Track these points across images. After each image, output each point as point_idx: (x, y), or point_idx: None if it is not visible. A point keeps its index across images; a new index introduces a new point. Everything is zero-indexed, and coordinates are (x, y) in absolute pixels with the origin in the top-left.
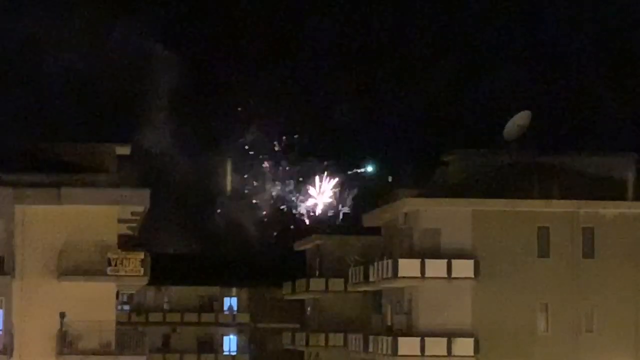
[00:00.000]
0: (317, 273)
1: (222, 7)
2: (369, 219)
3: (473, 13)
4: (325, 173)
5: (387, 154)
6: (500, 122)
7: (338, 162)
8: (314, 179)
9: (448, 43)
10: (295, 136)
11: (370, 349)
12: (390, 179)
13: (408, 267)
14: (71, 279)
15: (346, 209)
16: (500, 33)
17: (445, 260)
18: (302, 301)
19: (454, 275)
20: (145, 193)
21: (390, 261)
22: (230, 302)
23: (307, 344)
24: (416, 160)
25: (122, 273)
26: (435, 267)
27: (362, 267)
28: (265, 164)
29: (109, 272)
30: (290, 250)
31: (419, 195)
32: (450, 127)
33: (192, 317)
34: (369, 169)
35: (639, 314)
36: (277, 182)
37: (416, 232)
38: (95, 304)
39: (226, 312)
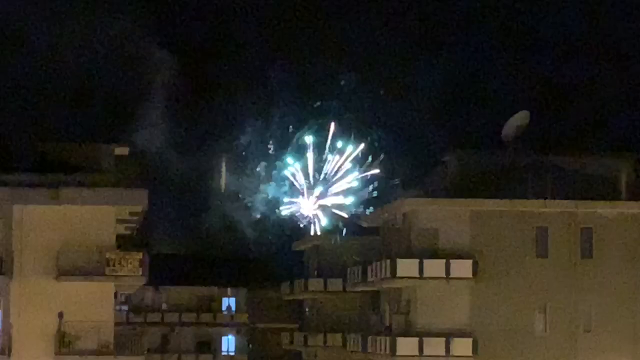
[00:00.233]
0: (316, 273)
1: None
2: (368, 219)
3: (472, 12)
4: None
5: (385, 154)
6: (499, 122)
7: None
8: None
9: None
10: (291, 129)
11: (369, 349)
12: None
13: (406, 267)
14: (69, 279)
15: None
16: (500, 32)
17: (444, 261)
18: (300, 301)
19: (452, 275)
20: (144, 193)
21: (388, 261)
22: (229, 302)
23: (305, 344)
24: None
25: (121, 273)
26: (434, 267)
27: (360, 267)
28: (260, 165)
29: (107, 272)
30: (288, 250)
31: (417, 196)
32: (448, 127)
33: (190, 317)
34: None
35: (637, 314)
36: (272, 183)
37: (414, 232)
38: (94, 304)
39: (224, 313)
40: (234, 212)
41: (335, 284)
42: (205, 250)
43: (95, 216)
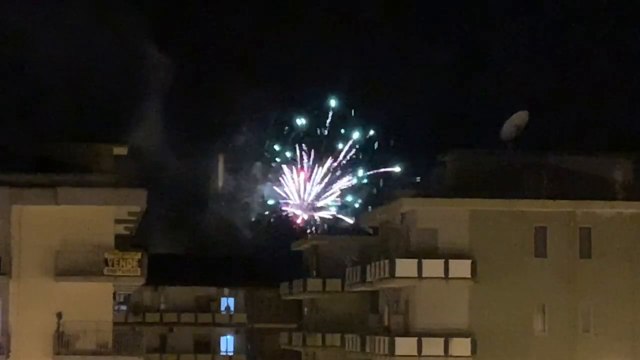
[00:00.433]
0: (314, 273)
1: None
2: (366, 219)
3: (473, 9)
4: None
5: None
6: (498, 121)
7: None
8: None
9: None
10: (286, 128)
11: (368, 349)
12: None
13: (405, 267)
14: (68, 279)
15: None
16: (499, 31)
17: (442, 261)
18: (299, 301)
19: (451, 275)
20: (143, 193)
21: (387, 261)
22: (227, 302)
23: (304, 344)
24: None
25: (119, 273)
26: (432, 267)
27: (359, 268)
28: (256, 165)
29: (106, 272)
30: (287, 250)
31: (416, 195)
32: (447, 127)
33: (189, 317)
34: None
35: (636, 314)
36: (268, 183)
37: (413, 232)
38: (92, 304)
39: (223, 313)
40: (233, 213)
41: (334, 284)
42: (204, 250)
43: (94, 216)
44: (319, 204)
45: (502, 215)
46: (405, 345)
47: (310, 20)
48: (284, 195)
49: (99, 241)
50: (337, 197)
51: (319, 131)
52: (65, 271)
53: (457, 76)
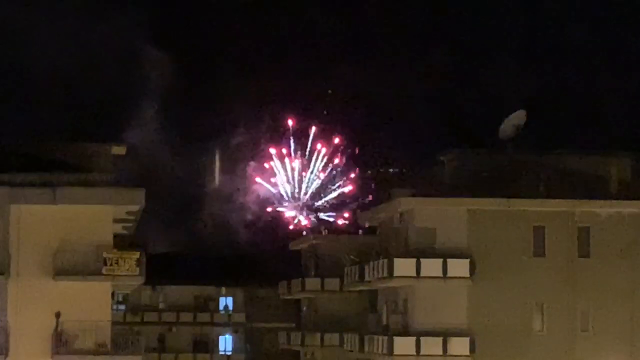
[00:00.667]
0: (313, 273)
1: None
2: (365, 219)
3: (472, 9)
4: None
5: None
6: (496, 121)
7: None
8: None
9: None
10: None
11: (366, 349)
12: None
13: (403, 266)
14: (67, 279)
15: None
16: (498, 31)
17: (441, 260)
18: (297, 301)
19: (449, 274)
20: (141, 193)
21: (385, 261)
22: (226, 301)
23: (302, 343)
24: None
25: (118, 273)
26: (431, 267)
27: (357, 267)
28: (251, 165)
29: (104, 272)
30: (285, 249)
31: (415, 195)
32: (446, 126)
33: (187, 316)
34: None
35: (635, 314)
36: (263, 183)
37: (412, 232)
38: (91, 303)
39: (222, 312)
40: (231, 212)
41: (333, 283)
42: (202, 249)
43: (93, 216)
44: (317, 203)
45: (500, 215)
46: (403, 344)
47: (310, 20)
48: (278, 195)
49: (98, 241)
50: (334, 198)
51: (315, 130)
52: (64, 270)
53: (456, 76)
